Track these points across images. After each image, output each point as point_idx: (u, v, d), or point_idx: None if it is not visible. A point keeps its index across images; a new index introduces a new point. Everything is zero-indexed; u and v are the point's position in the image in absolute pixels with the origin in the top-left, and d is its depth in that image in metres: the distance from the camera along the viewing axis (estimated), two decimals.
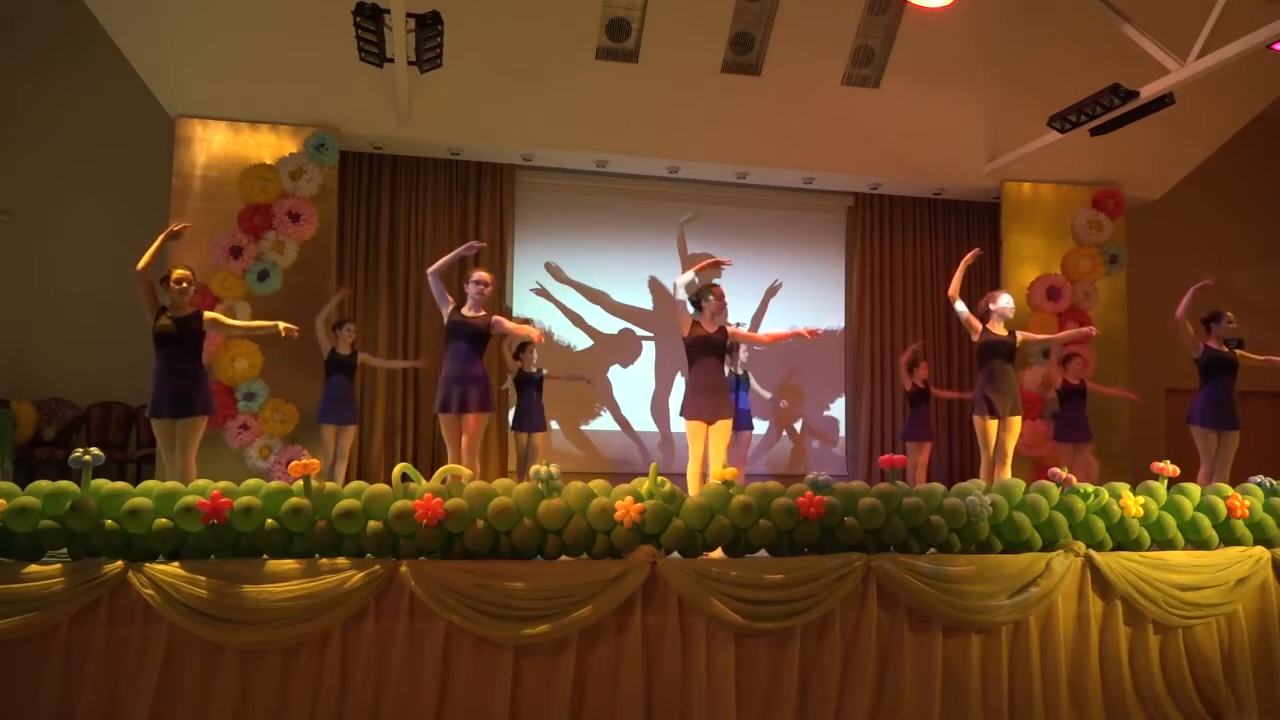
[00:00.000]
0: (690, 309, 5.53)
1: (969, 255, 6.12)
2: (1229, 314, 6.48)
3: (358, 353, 7.44)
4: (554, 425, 8.91)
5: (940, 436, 9.33)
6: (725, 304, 5.50)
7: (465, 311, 5.53)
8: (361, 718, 3.58)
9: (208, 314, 5.23)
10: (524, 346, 7.84)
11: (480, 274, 5.65)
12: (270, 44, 7.39)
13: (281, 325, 5.32)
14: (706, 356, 5.49)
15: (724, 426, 5.44)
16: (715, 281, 5.60)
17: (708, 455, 5.41)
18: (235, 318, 7.52)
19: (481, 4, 7.33)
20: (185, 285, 5.09)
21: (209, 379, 5.28)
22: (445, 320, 5.52)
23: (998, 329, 5.98)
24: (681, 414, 5.56)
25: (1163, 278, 10.01)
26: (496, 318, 5.66)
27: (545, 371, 8.03)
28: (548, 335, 8.97)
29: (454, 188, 8.81)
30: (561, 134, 8.32)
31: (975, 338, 6.04)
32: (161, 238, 5.17)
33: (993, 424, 5.95)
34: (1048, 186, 9.27)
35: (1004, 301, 6.04)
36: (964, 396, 9.10)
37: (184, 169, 7.65)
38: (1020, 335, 6.08)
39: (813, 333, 5.78)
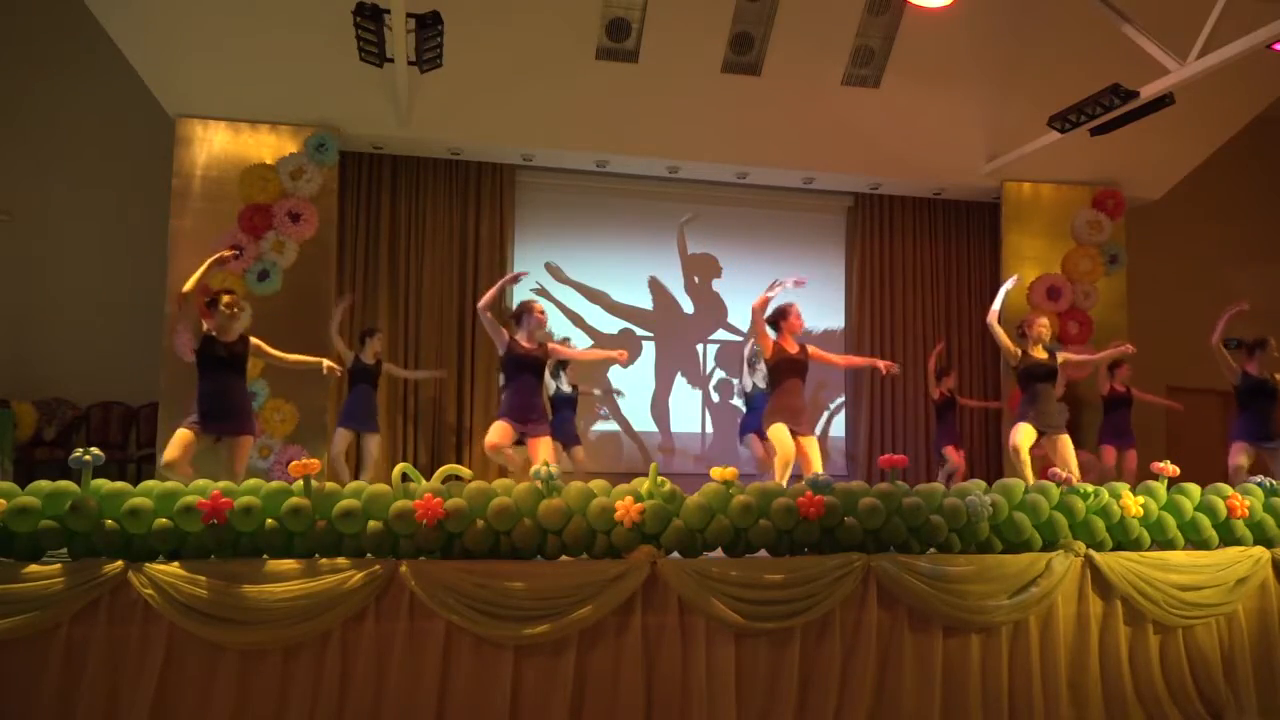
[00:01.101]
0: (770, 331, 5.67)
1: (1010, 282, 6.15)
2: (1274, 341, 6.48)
3: (382, 362, 7.48)
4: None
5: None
6: (802, 322, 5.75)
7: (525, 343, 5.62)
8: (361, 718, 3.58)
9: (254, 340, 5.23)
10: (563, 364, 7.89)
11: (539, 305, 5.78)
12: (270, 44, 7.39)
13: (326, 364, 5.39)
14: (792, 377, 5.61)
15: (814, 442, 5.59)
16: (790, 301, 5.76)
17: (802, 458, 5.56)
18: None
19: (481, 4, 7.33)
20: (236, 311, 5.08)
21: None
22: (503, 352, 5.62)
23: (1037, 353, 5.94)
24: (765, 422, 5.64)
25: (1163, 278, 10.03)
26: (551, 345, 5.87)
27: (580, 388, 8.09)
28: (548, 336, 8.96)
29: (454, 188, 8.80)
30: (561, 134, 8.32)
31: (1014, 364, 5.98)
32: (209, 263, 5.18)
33: (1032, 431, 5.83)
34: (1048, 186, 9.26)
35: (1040, 325, 6.00)
36: (989, 405, 9.17)
37: (184, 169, 7.64)
38: (1061, 356, 6.06)
39: (889, 367, 5.86)
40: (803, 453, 5.54)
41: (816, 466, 5.51)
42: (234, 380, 5.10)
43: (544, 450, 5.49)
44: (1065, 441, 5.82)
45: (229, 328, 5.07)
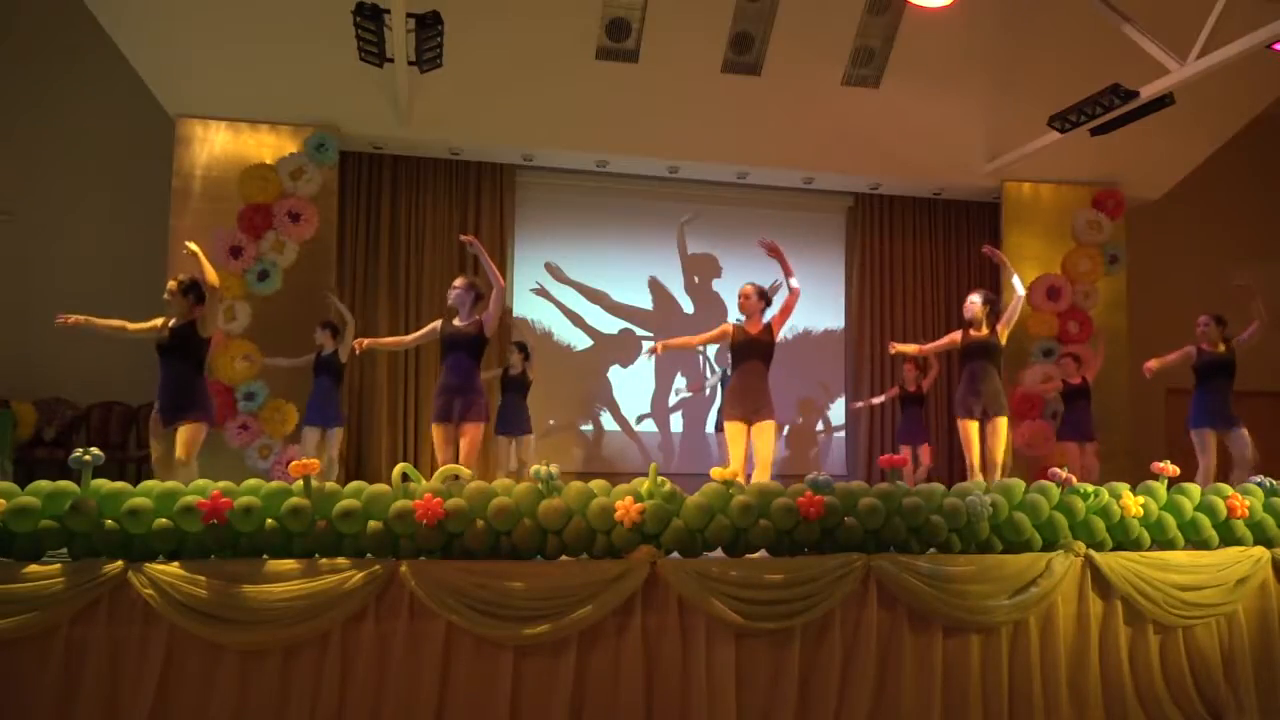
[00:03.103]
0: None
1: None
2: (1200, 319, 6.53)
3: (338, 350, 7.31)
4: (551, 423, 8.93)
5: (937, 438, 9.30)
6: (754, 302, 5.47)
7: (456, 322, 5.47)
8: (361, 718, 3.57)
9: (197, 316, 5.11)
10: (517, 348, 7.81)
11: (458, 279, 5.58)
12: (270, 44, 7.40)
13: (189, 245, 5.14)
14: (750, 359, 5.42)
15: (765, 428, 5.34)
16: (748, 282, 5.60)
17: (749, 458, 5.40)
18: (235, 318, 7.53)
19: (481, 4, 7.34)
20: (167, 296, 5.06)
21: (205, 386, 5.21)
22: (439, 334, 5.47)
23: (977, 331, 5.86)
24: (722, 417, 5.54)
25: (1163, 278, 10.03)
26: (485, 315, 5.51)
27: (530, 373, 7.88)
28: (548, 335, 8.98)
29: (454, 188, 8.81)
30: (561, 134, 8.33)
31: (959, 342, 5.94)
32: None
33: (972, 425, 5.81)
34: (1048, 186, 9.27)
35: (969, 300, 5.93)
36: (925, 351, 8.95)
37: (184, 169, 7.65)
38: (1003, 330, 5.87)
39: (769, 247, 5.63)
40: (753, 440, 5.34)
41: (764, 457, 5.30)
42: (181, 366, 5.00)
43: (472, 439, 5.33)
44: (1000, 425, 5.75)
45: (175, 314, 5.04)
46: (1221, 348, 6.48)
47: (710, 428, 8.64)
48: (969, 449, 5.84)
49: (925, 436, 8.61)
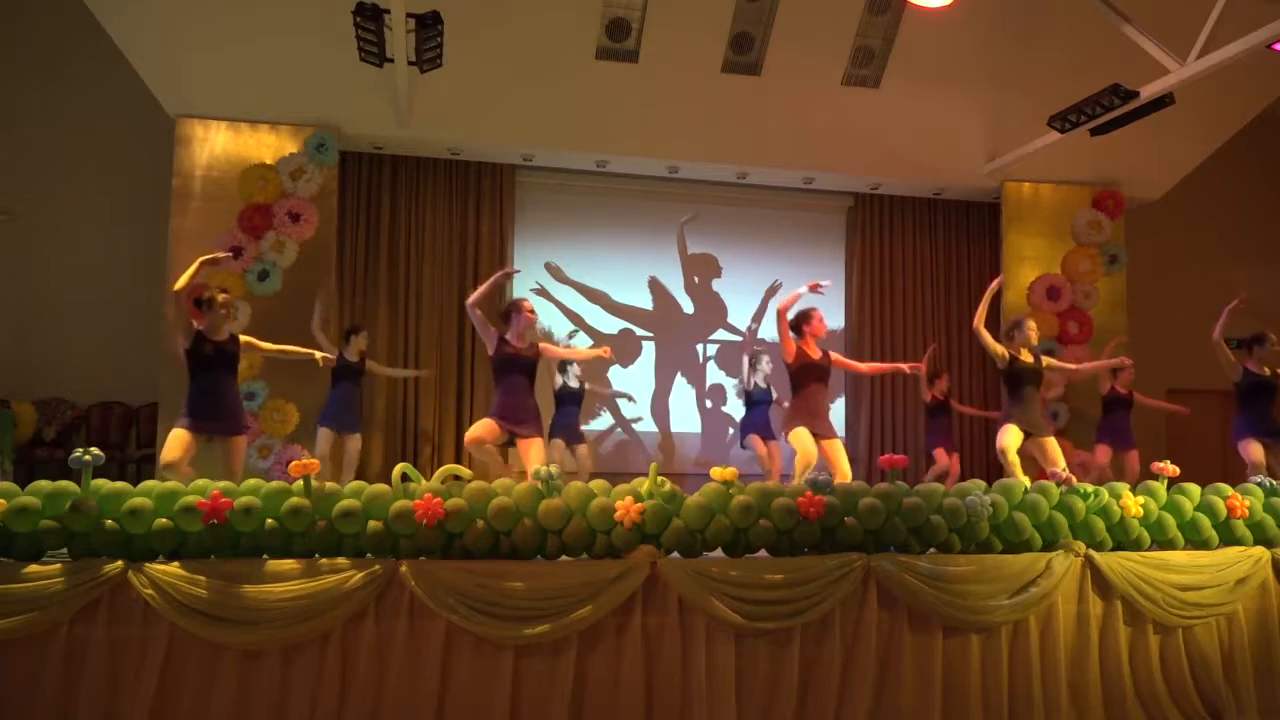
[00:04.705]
0: (792, 334, 5.67)
1: (994, 285, 5.96)
2: (1273, 336, 6.41)
3: (365, 360, 7.43)
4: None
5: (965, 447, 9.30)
6: (825, 326, 5.76)
7: (515, 342, 5.48)
8: (361, 718, 3.58)
9: (244, 337, 5.23)
10: (567, 361, 7.84)
11: (529, 303, 5.66)
12: (270, 44, 7.39)
13: (319, 355, 5.52)
14: (814, 382, 5.62)
15: (835, 445, 5.60)
16: (812, 306, 5.74)
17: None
18: (235, 318, 7.50)
19: (481, 4, 7.33)
20: (230, 310, 5.09)
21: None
22: (493, 352, 5.47)
23: (1024, 355, 5.84)
24: (786, 426, 5.66)
25: (1163, 278, 10.03)
26: (543, 345, 5.75)
27: (587, 385, 8.04)
28: (548, 335, 8.98)
29: (454, 188, 8.81)
30: (561, 134, 8.32)
31: (1000, 366, 5.90)
32: (201, 261, 5.07)
33: (1018, 434, 5.74)
34: (1048, 186, 9.27)
35: (1029, 328, 5.91)
36: (987, 415, 8.98)
37: (184, 169, 7.65)
38: (1046, 361, 5.96)
39: (914, 368, 6.05)
40: (828, 456, 5.55)
41: (845, 469, 5.50)
42: (225, 379, 5.06)
43: (535, 453, 5.38)
44: (1051, 444, 5.74)
45: (220, 327, 5.06)
46: (1266, 370, 6.43)
47: (740, 441, 8.52)
48: (1005, 454, 5.75)
49: (948, 441, 8.60)
